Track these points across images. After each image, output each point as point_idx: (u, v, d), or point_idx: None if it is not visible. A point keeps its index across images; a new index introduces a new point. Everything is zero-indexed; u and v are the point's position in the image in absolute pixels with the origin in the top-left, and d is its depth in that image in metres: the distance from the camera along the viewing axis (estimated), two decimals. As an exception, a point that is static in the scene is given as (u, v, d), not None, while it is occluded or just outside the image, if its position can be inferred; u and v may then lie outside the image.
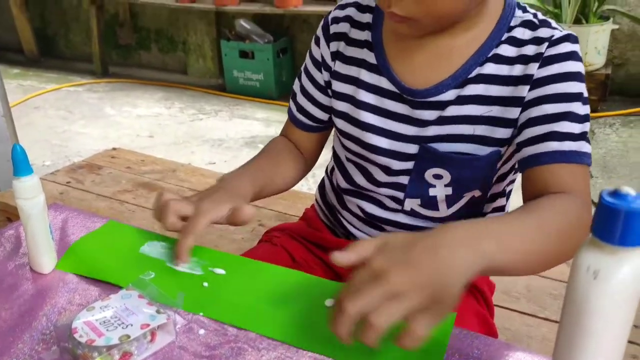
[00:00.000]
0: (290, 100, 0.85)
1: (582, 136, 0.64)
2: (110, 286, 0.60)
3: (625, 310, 0.36)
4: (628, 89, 3.24)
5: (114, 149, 1.57)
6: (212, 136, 2.99)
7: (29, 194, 0.58)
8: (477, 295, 0.82)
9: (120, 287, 0.58)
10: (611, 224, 0.35)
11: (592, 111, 2.97)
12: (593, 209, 0.39)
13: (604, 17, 3.01)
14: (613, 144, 2.69)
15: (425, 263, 0.46)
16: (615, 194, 0.35)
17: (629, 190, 0.35)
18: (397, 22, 0.64)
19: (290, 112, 0.85)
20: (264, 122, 3.16)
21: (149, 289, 0.55)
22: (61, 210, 0.73)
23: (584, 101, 0.65)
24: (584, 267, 0.36)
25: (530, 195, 0.63)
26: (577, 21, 2.95)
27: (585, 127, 0.64)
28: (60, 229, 0.70)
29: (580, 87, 0.65)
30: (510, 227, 0.53)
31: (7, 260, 0.64)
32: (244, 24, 3.46)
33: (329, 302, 0.57)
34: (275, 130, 3.00)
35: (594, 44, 2.93)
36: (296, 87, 0.84)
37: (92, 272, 0.62)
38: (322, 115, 0.82)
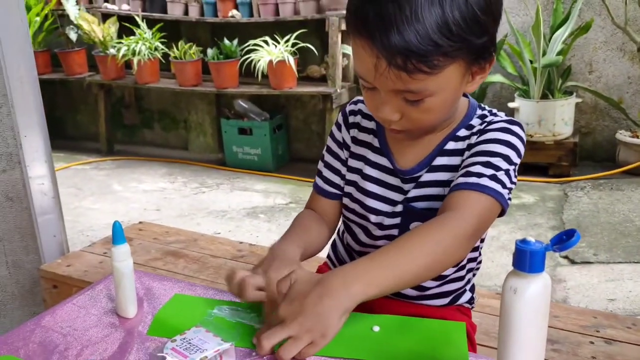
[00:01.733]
0: (317, 177, 1.05)
1: (492, 177, 0.82)
2: (179, 327, 0.79)
3: (536, 314, 0.57)
4: (596, 155, 3.55)
5: (141, 222, 1.78)
6: (216, 208, 3.20)
7: (123, 258, 0.79)
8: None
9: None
10: (522, 260, 0.57)
11: (564, 176, 3.27)
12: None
13: (568, 92, 3.36)
14: (585, 206, 2.94)
15: (314, 311, 0.70)
16: (524, 241, 0.58)
17: (531, 239, 0.57)
18: (395, 133, 0.87)
19: (317, 186, 1.04)
20: (263, 194, 3.39)
21: (211, 327, 0.75)
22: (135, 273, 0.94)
23: (507, 159, 0.84)
24: (508, 287, 0.58)
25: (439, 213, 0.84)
26: (544, 96, 3.29)
27: (501, 175, 0.82)
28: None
29: (504, 150, 0.85)
30: (380, 264, 0.75)
31: (101, 307, 0.84)
32: (242, 103, 3.77)
33: (375, 328, 0.79)
34: (274, 200, 3.23)
35: (561, 116, 3.25)
36: (321, 166, 1.05)
37: (176, 333, 0.77)
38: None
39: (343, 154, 1.02)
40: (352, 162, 1.00)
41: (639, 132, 3.27)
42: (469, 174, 0.84)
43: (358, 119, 1.01)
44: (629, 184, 3.15)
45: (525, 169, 3.38)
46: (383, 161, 0.96)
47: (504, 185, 0.83)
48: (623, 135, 3.29)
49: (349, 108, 1.03)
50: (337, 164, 1.02)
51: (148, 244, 1.63)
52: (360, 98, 1.02)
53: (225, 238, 1.71)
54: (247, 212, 3.10)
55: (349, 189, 1.00)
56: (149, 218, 3.09)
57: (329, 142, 1.04)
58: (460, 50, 0.76)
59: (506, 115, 0.93)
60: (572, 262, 2.42)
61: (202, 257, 1.56)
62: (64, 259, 1.57)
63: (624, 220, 2.75)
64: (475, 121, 0.92)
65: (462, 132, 0.92)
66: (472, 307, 1.08)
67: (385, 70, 0.75)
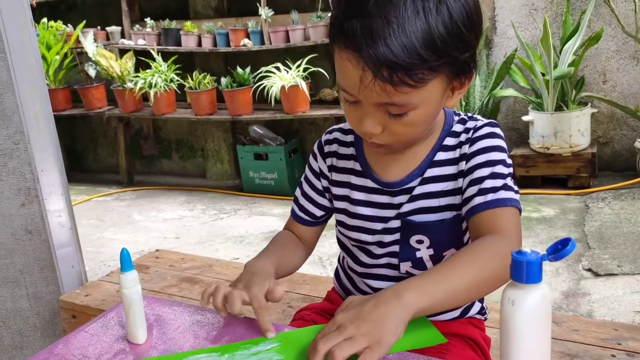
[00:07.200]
0: (293, 204, 1.08)
1: (504, 187, 0.85)
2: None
3: (536, 326, 0.57)
4: (616, 165, 3.49)
5: (157, 250, 1.81)
6: (234, 234, 3.23)
7: (131, 285, 0.81)
8: (475, 348, 1.00)
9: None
10: (519, 271, 0.57)
11: (584, 187, 3.22)
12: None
13: (583, 103, 3.33)
14: (607, 217, 2.89)
15: (369, 317, 0.72)
16: (520, 252, 0.57)
17: (527, 250, 0.57)
18: (375, 148, 0.89)
19: (293, 212, 1.08)
20: (280, 217, 3.41)
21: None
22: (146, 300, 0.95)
23: (505, 164, 0.88)
24: (506, 298, 0.58)
25: (473, 239, 0.86)
26: (558, 108, 3.27)
27: (509, 181, 0.87)
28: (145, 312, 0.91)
29: (499, 155, 0.89)
30: (430, 278, 0.77)
31: (113, 334, 0.86)
32: (257, 129, 3.82)
33: None
34: (292, 224, 3.24)
35: (577, 127, 3.22)
36: (298, 193, 1.07)
37: None
38: (320, 214, 1.05)
39: (319, 184, 1.04)
40: (337, 190, 1.02)
41: (659, 139, 3.21)
42: (485, 192, 0.86)
43: (334, 147, 1.02)
44: (651, 193, 3.09)
45: (544, 181, 3.34)
46: (367, 182, 0.97)
47: (515, 191, 0.86)
48: (642, 144, 3.24)
49: (324, 138, 1.05)
50: (312, 193, 1.05)
51: (164, 271, 1.64)
52: (336, 127, 1.06)
53: (241, 263, 1.72)
54: (265, 236, 3.11)
55: (340, 216, 1.02)
56: (169, 246, 3.13)
57: (306, 171, 1.07)
58: (444, 65, 0.77)
59: (482, 117, 0.96)
60: (596, 274, 2.37)
61: (217, 282, 1.56)
62: (82, 289, 1.59)
63: (647, 230, 2.69)
64: (457, 127, 0.94)
65: (449, 141, 0.93)
66: (485, 319, 1.06)
67: (370, 83, 0.76)
